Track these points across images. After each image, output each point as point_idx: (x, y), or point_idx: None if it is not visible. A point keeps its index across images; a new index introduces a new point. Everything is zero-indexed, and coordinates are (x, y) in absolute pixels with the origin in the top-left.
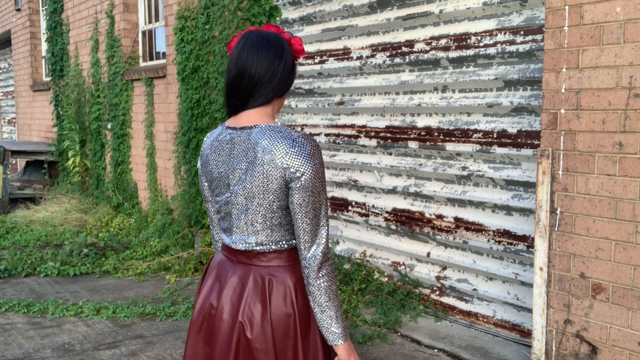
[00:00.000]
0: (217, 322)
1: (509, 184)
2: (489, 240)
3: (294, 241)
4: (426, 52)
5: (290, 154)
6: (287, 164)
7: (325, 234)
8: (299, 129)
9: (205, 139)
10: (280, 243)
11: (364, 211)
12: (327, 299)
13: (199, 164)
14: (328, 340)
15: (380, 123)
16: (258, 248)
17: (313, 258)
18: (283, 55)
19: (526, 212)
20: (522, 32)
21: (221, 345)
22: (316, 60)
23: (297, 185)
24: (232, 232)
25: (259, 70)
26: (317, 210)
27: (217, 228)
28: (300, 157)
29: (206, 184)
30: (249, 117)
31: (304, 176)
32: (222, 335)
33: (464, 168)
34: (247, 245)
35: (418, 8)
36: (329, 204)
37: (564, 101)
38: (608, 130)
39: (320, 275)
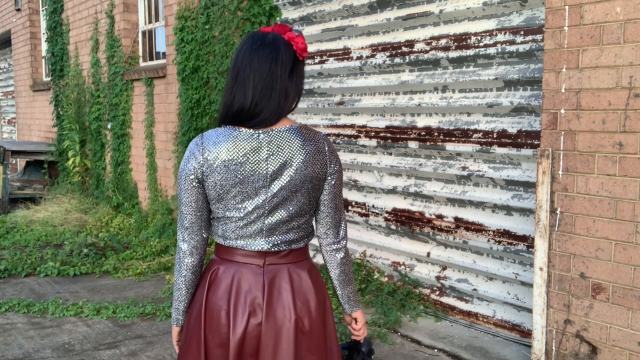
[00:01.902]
0: (267, 330)
1: (509, 184)
2: (489, 240)
3: (312, 234)
4: (426, 52)
5: (328, 152)
6: (328, 162)
7: (344, 218)
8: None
9: (202, 144)
10: (307, 238)
11: (364, 211)
12: (351, 274)
13: (194, 173)
14: (349, 308)
15: (380, 123)
16: (294, 245)
17: (343, 240)
18: (278, 59)
19: (526, 212)
20: (522, 32)
21: (276, 351)
22: (316, 60)
23: (336, 178)
24: (264, 235)
25: (258, 79)
26: (342, 199)
27: (200, 242)
28: (334, 153)
29: (203, 195)
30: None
31: (339, 169)
32: (274, 341)
33: (464, 168)
34: (284, 244)
35: (418, 8)
36: None
37: (564, 101)
38: (608, 130)
39: (347, 254)
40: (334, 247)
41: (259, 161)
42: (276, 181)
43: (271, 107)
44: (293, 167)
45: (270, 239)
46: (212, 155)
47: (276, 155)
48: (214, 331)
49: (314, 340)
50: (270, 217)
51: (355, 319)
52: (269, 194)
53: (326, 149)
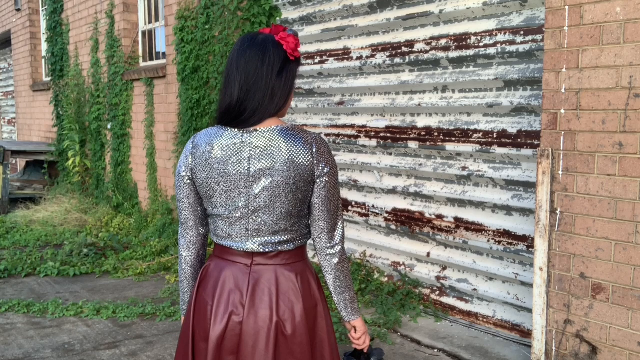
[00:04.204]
0: (247, 328)
1: (509, 184)
2: (489, 240)
3: (307, 236)
4: (426, 52)
5: (317, 152)
6: (316, 162)
7: (341, 223)
8: (305, 129)
9: (193, 143)
10: (300, 239)
11: (364, 211)
12: (347, 280)
13: (184, 170)
14: (347, 316)
15: (380, 123)
16: (282, 247)
17: (337, 245)
18: (265, 59)
19: (526, 212)
20: (522, 32)
21: (256, 350)
22: (316, 60)
23: (325, 180)
24: (250, 235)
25: (244, 79)
26: (337, 202)
27: (195, 238)
28: (325, 154)
29: (194, 191)
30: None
31: (330, 172)
32: (256, 340)
33: (464, 168)
34: (271, 245)
35: (418, 8)
36: None
37: (564, 101)
38: (608, 130)
39: (343, 259)
40: (327, 252)
41: (240, 161)
42: (258, 182)
43: (253, 106)
44: (275, 169)
45: (256, 239)
46: (199, 153)
47: (258, 156)
48: (200, 326)
49: (297, 344)
50: (253, 218)
51: (355, 328)
52: (251, 195)
53: (314, 150)
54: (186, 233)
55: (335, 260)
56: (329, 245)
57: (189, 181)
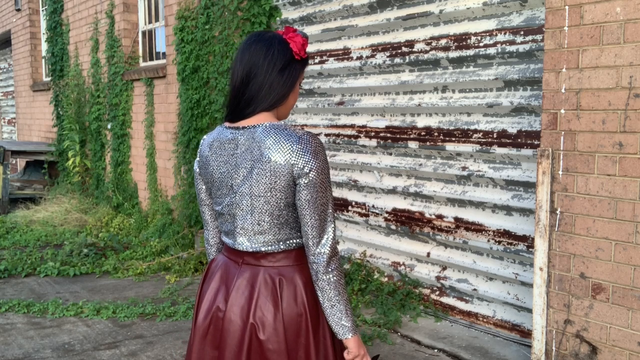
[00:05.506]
0: (226, 325)
1: (509, 184)
2: (489, 241)
3: (301, 240)
4: (426, 52)
5: (298, 151)
6: (294, 161)
7: (332, 229)
8: (299, 128)
9: (202, 140)
10: (288, 242)
11: (364, 211)
12: (336, 293)
13: (196, 166)
14: (338, 334)
15: (380, 123)
16: (266, 248)
17: (322, 253)
18: (268, 54)
19: (526, 212)
20: (522, 32)
21: (231, 348)
22: (316, 60)
23: (305, 182)
24: (237, 234)
25: (245, 72)
26: (325, 206)
27: (212, 232)
28: (307, 154)
29: (204, 187)
30: (250, 118)
31: (311, 172)
32: (231, 338)
33: (464, 168)
34: (255, 246)
35: (418, 8)
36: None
37: (564, 101)
38: (608, 130)
39: (329, 270)
40: (312, 260)
41: (228, 158)
42: (240, 180)
43: (248, 96)
44: (254, 167)
45: (243, 238)
46: (202, 150)
47: (242, 154)
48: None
49: (271, 352)
50: (239, 216)
51: (347, 349)
52: (236, 193)
53: (294, 148)
54: (205, 228)
55: (321, 269)
56: (313, 252)
57: (199, 176)
